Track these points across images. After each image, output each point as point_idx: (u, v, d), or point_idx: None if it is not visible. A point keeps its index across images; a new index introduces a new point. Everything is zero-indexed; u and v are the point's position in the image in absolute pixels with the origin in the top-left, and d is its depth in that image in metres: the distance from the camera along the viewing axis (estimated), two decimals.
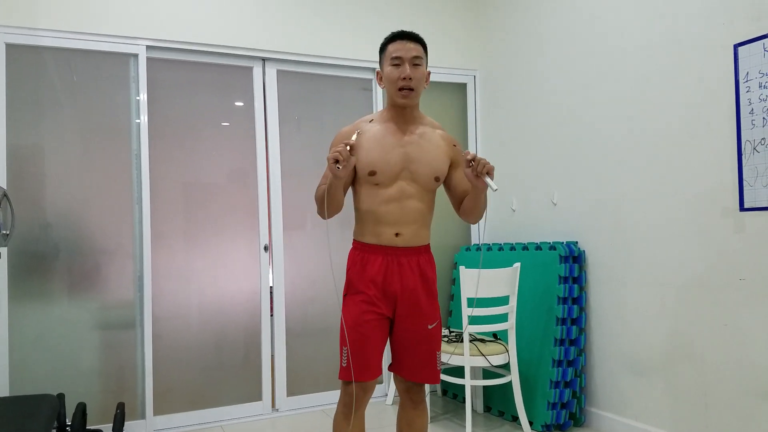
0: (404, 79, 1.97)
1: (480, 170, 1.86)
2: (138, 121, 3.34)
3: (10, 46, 3.09)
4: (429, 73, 2.08)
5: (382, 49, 2.07)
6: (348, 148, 1.84)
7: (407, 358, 2.06)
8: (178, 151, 3.46)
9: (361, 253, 2.05)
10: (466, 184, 2.10)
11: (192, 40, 3.44)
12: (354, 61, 3.84)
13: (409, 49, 1.99)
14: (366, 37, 3.87)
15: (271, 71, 3.68)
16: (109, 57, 3.30)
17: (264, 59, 3.67)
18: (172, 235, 3.42)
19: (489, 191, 4.12)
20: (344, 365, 2.00)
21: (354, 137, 1.93)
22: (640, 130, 2.95)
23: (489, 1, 4.12)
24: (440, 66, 4.12)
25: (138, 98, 3.34)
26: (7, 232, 2.56)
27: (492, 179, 1.87)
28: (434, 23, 4.11)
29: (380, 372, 2.05)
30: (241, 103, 3.63)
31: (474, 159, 1.87)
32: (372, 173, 2.00)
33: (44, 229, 3.13)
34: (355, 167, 2.04)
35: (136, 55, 3.33)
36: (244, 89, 3.63)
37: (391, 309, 2.05)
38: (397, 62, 1.99)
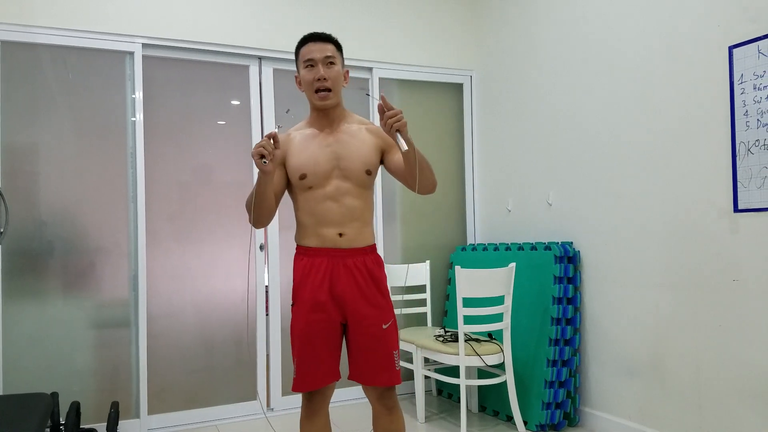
0: (319, 80, 1.96)
1: (389, 128, 1.78)
2: (133, 119, 3.33)
3: (5, 43, 3.07)
4: (347, 72, 2.07)
5: (296, 53, 2.05)
6: (271, 141, 1.82)
7: (364, 362, 2.00)
8: (173, 149, 3.45)
9: (305, 257, 2.02)
10: (398, 164, 2.05)
11: (188, 38, 3.43)
12: (350, 61, 3.84)
13: (321, 49, 1.98)
14: (363, 36, 3.87)
15: (267, 70, 3.68)
16: (104, 55, 3.29)
17: (260, 58, 3.66)
18: (167, 234, 3.41)
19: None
20: (295, 377, 2.00)
21: (276, 129, 1.89)
22: (635, 131, 2.96)
23: (485, 2, 4.13)
24: (436, 66, 4.12)
25: (133, 96, 3.33)
26: (1, 230, 2.55)
27: (404, 137, 1.77)
28: (431, 23, 4.11)
29: (337, 376, 2.02)
30: (237, 102, 3.62)
31: (385, 113, 1.78)
32: (303, 176, 1.98)
33: (39, 228, 3.12)
34: (288, 175, 2.03)
35: (131, 53, 3.32)
36: (240, 87, 3.63)
37: (341, 313, 2.01)
38: (311, 64, 1.98)
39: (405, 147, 1.76)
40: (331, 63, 1.98)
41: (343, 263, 2.00)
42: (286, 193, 2.13)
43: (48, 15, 3.13)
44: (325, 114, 2.04)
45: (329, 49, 1.99)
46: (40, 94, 3.15)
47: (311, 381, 1.98)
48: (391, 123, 1.78)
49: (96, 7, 3.23)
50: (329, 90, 1.98)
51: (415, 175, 1.93)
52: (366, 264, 2.03)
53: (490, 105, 4.10)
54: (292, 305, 2.04)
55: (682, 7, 2.71)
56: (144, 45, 3.35)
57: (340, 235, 2.00)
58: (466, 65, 4.22)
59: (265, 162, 1.79)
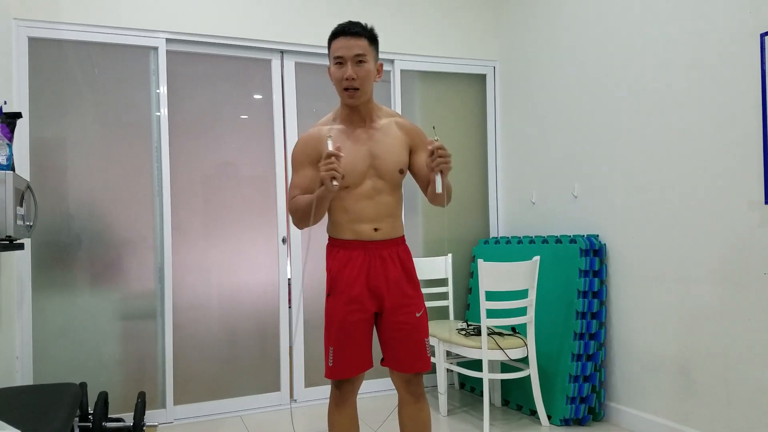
0: (347, 79, 1.92)
1: (434, 165, 1.83)
2: (158, 114, 3.37)
3: (32, 40, 3.13)
4: (381, 65, 2.02)
5: (328, 45, 2.01)
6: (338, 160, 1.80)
7: (400, 351, 2.04)
8: (197, 143, 3.48)
9: (342, 250, 2.03)
10: (426, 170, 2.04)
11: (211, 32, 3.45)
12: None
13: (351, 46, 1.92)
14: (384, 28, 3.85)
15: (290, 63, 3.69)
16: (129, 50, 3.33)
17: (282, 51, 3.67)
18: (192, 227, 3.45)
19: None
20: (330, 365, 2.02)
21: (330, 145, 1.83)
22: (662, 121, 2.90)
23: None
24: (460, 57, 4.08)
25: (158, 91, 3.36)
26: (31, 224, 2.60)
27: (444, 178, 1.83)
28: (454, 14, 4.07)
29: (370, 364, 2.06)
30: (259, 96, 3.64)
31: (433, 152, 1.82)
32: (342, 186, 1.98)
33: (67, 221, 3.18)
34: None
35: (155, 48, 3.35)
36: (263, 82, 3.64)
37: (376, 304, 2.04)
38: (340, 61, 1.94)
39: (440, 190, 1.81)
40: (361, 61, 1.93)
41: (379, 254, 2.03)
42: None
43: (74, 11, 3.18)
44: (356, 110, 2.03)
45: (360, 46, 1.93)
46: (67, 89, 3.21)
47: (346, 369, 2.01)
48: (439, 162, 1.81)
49: (120, 3, 3.27)
50: (357, 89, 1.95)
51: (434, 197, 1.98)
52: (399, 254, 2.07)
53: (513, 96, 4.05)
54: (328, 295, 2.05)
55: None
56: (168, 40, 3.38)
57: (375, 229, 2.02)
58: (490, 56, 4.18)
59: (336, 184, 1.77)
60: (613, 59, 3.19)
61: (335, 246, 2.06)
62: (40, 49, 3.15)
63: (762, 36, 2.43)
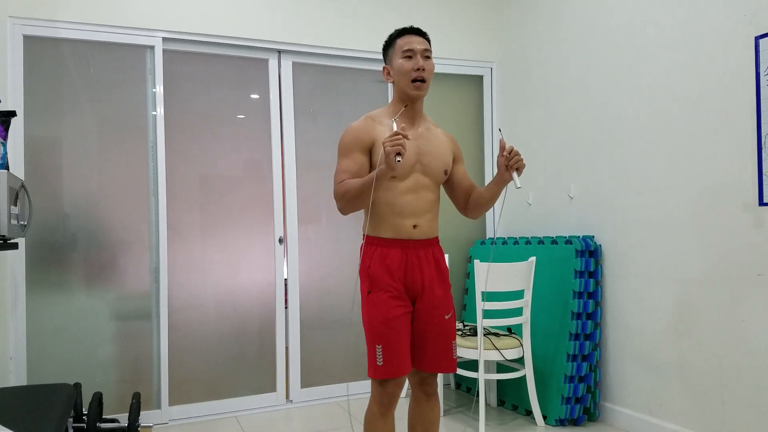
0: (418, 69, 1.99)
1: (512, 164, 1.92)
2: (154, 113, 3.35)
3: (27, 38, 3.11)
4: (433, 66, 2.11)
5: (390, 44, 2.08)
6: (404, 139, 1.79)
7: (428, 350, 2.05)
8: (194, 143, 3.47)
9: (379, 248, 2.03)
10: (467, 181, 2.18)
11: (208, 32, 3.44)
12: (370, 53, 3.83)
13: (421, 42, 2.03)
14: (382, 28, 3.86)
15: (287, 63, 3.68)
16: (125, 49, 3.31)
17: (280, 51, 3.67)
18: (187, 227, 3.44)
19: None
20: (380, 364, 1.95)
21: (396, 126, 1.87)
22: (658, 123, 2.92)
23: None
24: (457, 58, 4.09)
25: (154, 90, 3.35)
26: (25, 223, 2.59)
27: (520, 176, 1.91)
28: (451, 14, 4.08)
29: (411, 365, 2.03)
30: (256, 96, 3.63)
31: (510, 151, 1.93)
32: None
33: (62, 220, 3.17)
34: (371, 161, 2.04)
35: (152, 47, 3.34)
36: (260, 81, 3.64)
37: (411, 302, 2.05)
38: (410, 54, 2.01)
39: (520, 185, 1.88)
40: (428, 57, 2.03)
41: (416, 253, 2.04)
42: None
43: (70, 10, 3.16)
44: (412, 107, 2.07)
45: (426, 44, 2.04)
46: (63, 88, 3.19)
47: (398, 366, 1.96)
48: (517, 160, 1.92)
49: (117, 1, 3.26)
50: (425, 81, 2.01)
51: (488, 199, 2.08)
52: (434, 255, 2.09)
53: (510, 97, 4.07)
54: (369, 293, 2.02)
55: None
56: (164, 39, 3.37)
57: (415, 226, 2.03)
58: (487, 57, 4.19)
59: (399, 161, 1.77)
60: (609, 62, 3.21)
61: (373, 244, 2.05)
62: (36, 47, 3.13)
63: (757, 39, 2.45)
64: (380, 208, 2.03)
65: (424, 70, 2.00)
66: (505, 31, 4.10)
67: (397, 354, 1.96)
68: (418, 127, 2.08)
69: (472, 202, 2.14)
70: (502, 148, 1.95)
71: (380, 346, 1.96)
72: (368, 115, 2.09)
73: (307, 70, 3.75)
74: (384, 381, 1.98)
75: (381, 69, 3.91)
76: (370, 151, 2.03)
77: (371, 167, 2.03)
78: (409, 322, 2.04)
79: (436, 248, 2.10)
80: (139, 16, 3.30)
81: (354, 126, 2.06)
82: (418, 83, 2.01)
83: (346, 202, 1.97)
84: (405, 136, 1.77)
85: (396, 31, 2.08)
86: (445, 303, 2.08)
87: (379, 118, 2.07)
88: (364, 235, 2.09)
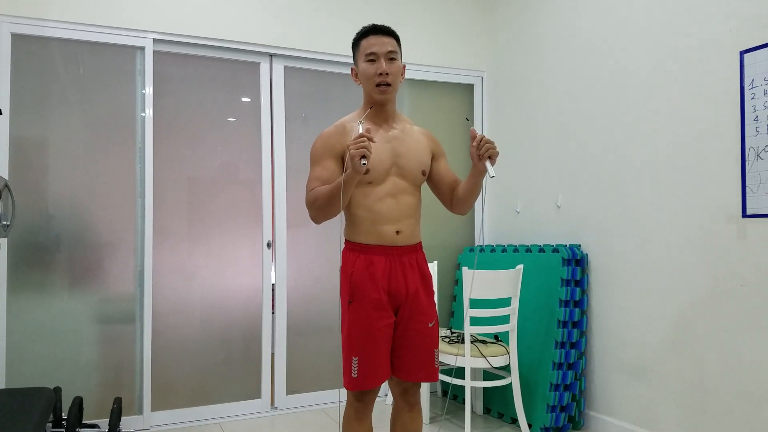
0: (381, 74, 1.94)
1: (482, 152, 1.84)
2: (143, 114, 3.33)
3: (16, 36, 3.07)
4: (404, 66, 2.06)
5: (355, 45, 2.03)
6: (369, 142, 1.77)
7: (409, 359, 2.01)
8: (182, 145, 3.45)
9: (362, 254, 1.98)
10: (450, 176, 2.11)
11: (199, 34, 3.43)
12: None
13: (384, 43, 1.96)
14: None
15: (278, 67, 3.68)
16: (115, 49, 3.29)
17: (271, 55, 3.67)
18: (174, 230, 3.41)
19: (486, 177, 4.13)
20: (354, 376, 1.93)
21: (362, 128, 1.83)
22: (644, 134, 2.96)
23: (498, 3, 4.14)
24: (448, 66, 4.13)
25: (144, 92, 3.33)
26: (8, 223, 2.54)
27: (493, 165, 1.85)
28: (443, 23, 4.12)
29: (389, 372, 2.01)
30: (247, 99, 3.62)
31: (481, 139, 1.84)
32: (366, 171, 1.95)
33: (46, 221, 3.12)
34: (345, 168, 1.97)
35: (142, 48, 3.32)
36: (251, 85, 3.63)
37: (395, 311, 2.01)
38: (372, 58, 1.96)
39: (494, 174, 1.81)
40: (392, 58, 1.97)
41: (400, 260, 1.99)
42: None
43: (59, 9, 3.13)
44: (382, 109, 2.03)
45: (391, 44, 1.97)
46: (50, 87, 3.15)
47: (373, 379, 1.94)
48: (488, 148, 1.83)
49: (107, 1, 3.24)
50: (389, 84, 1.96)
51: (470, 193, 2.00)
52: (418, 261, 2.04)
53: (500, 106, 4.11)
54: (350, 302, 1.97)
55: (694, 11, 2.72)
56: (155, 40, 3.35)
57: (397, 232, 1.98)
58: (478, 66, 4.23)
59: (364, 164, 1.73)
60: (598, 73, 3.26)
61: (354, 250, 2.00)
62: (24, 45, 3.09)
63: (741, 54, 2.51)
64: (360, 214, 1.99)
65: (388, 74, 1.94)
66: (495, 41, 4.15)
67: (373, 366, 1.93)
68: (392, 129, 2.03)
69: (455, 197, 2.08)
70: (473, 137, 1.87)
71: (356, 358, 1.93)
72: (340, 121, 2.05)
73: (298, 74, 3.75)
74: (359, 393, 1.97)
75: None
76: (342, 158, 1.98)
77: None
78: (390, 334, 1.99)
79: (419, 254, 2.06)
80: (130, 16, 3.28)
81: (324, 133, 2.02)
82: (382, 87, 1.96)
83: (317, 209, 1.92)
84: (370, 139, 1.74)
85: (360, 30, 2.01)
86: (428, 311, 2.03)
87: (350, 122, 2.03)
88: (345, 240, 2.05)
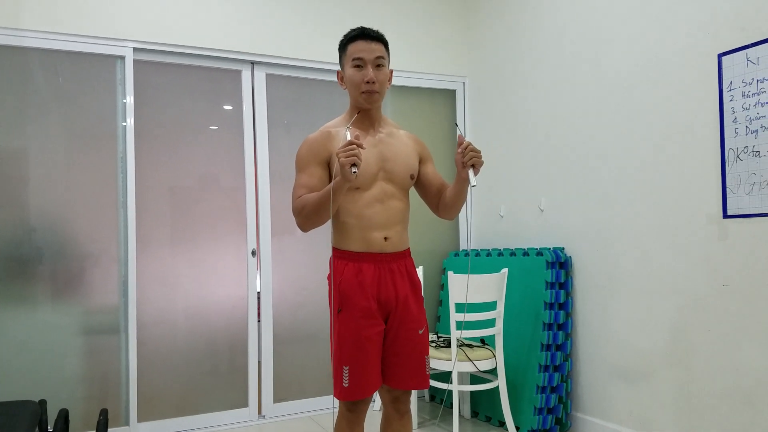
0: (368, 82, 1.91)
1: (466, 160, 1.82)
2: (124, 124, 3.31)
3: None
4: (392, 71, 2.03)
5: (342, 48, 1.97)
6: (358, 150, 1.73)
7: (400, 367, 1.98)
8: (165, 154, 3.43)
9: (351, 262, 1.95)
10: (438, 180, 2.09)
11: (180, 42, 3.42)
12: None
13: (372, 50, 1.92)
14: None
15: (260, 75, 3.67)
16: (95, 59, 3.26)
17: (253, 63, 3.66)
18: (158, 240, 3.39)
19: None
20: (346, 385, 1.90)
21: (350, 134, 1.80)
22: (625, 138, 2.99)
23: (479, 9, 4.16)
24: (430, 72, 4.14)
25: (125, 101, 3.31)
26: None
27: (476, 174, 1.83)
28: (424, 30, 4.13)
29: (381, 381, 1.99)
30: (229, 107, 3.61)
31: (466, 147, 1.82)
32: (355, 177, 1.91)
33: (27, 233, 3.09)
34: (331, 174, 1.96)
35: (122, 57, 3.30)
36: (233, 93, 3.62)
37: (384, 318, 1.98)
38: (359, 63, 1.91)
39: (475, 184, 1.79)
40: (380, 65, 1.93)
41: (389, 267, 1.97)
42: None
43: (38, 18, 3.11)
44: (367, 114, 2.00)
45: (379, 50, 1.93)
46: (30, 98, 3.12)
47: (364, 388, 1.91)
48: (471, 156, 1.81)
49: (87, 10, 3.21)
50: (376, 92, 1.93)
51: (455, 199, 1.98)
52: (407, 268, 2.02)
53: (482, 112, 4.12)
54: (339, 311, 1.95)
55: (672, 15, 2.74)
56: (135, 49, 3.33)
57: (386, 239, 1.95)
58: (459, 72, 4.24)
59: (355, 171, 1.69)
60: (577, 77, 3.28)
61: (343, 258, 1.97)
62: (2, 56, 3.07)
63: (719, 56, 2.54)
64: (348, 221, 1.96)
65: (374, 82, 1.91)
66: (476, 47, 4.17)
67: (365, 375, 1.91)
68: (378, 133, 2.00)
69: (441, 202, 2.06)
70: (459, 143, 1.84)
71: (347, 368, 1.91)
72: (324, 127, 2.02)
73: (280, 81, 3.74)
74: (350, 403, 1.95)
75: None
76: (328, 164, 1.95)
77: (331, 179, 1.95)
78: (381, 342, 1.97)
79: (408, 260, 2.04)
80: (109, 25, 3.26)
81: (309, 139, 1.98)
82: (369, 94, 1.93)
83: (304, 217, 1.88)
84: (359, 145, 1.71)
85: (348, 33, 1.96)
86: (418, 318, 2.02)
87: (335, 128, 2.00)
88: (333, 248, 2.02)
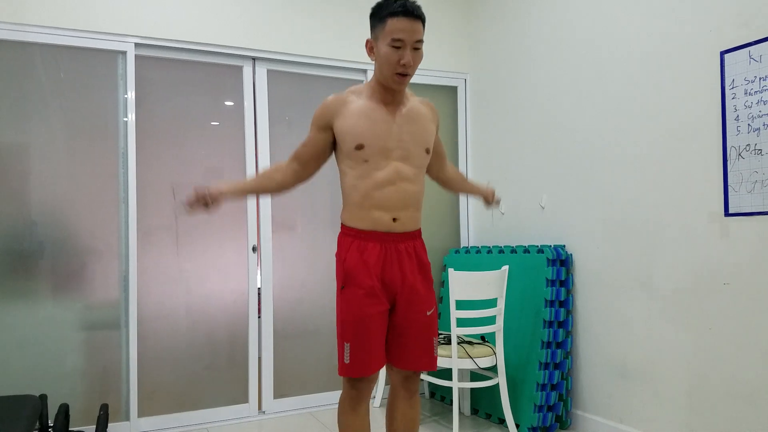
0: (404, 65, 1.84)
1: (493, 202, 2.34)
2: (126, 119, 3.31)
3: None
4: (422, 55, 1.99)
5: (381, 20, 1.86)
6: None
7: (408, 347, 1.97)
8: (166, 150, 3.43)
9: (356, 240, 1.92)
10: (439, 149, 2.20)
11: (181, 38, 3.41)
12: (345, 62, 3.84)
13: (415, 30, 1.83)
14: (357, 38, 3.87)
15: (261, 71, 3.67)
16: (97, 54, 3.26)
17: (254, 59, 3.65)
18: (158, 235, 3.39)
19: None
20: (347, 362, 1.90)
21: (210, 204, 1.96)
22: (627, 135, 2.98)
23: (480, 5, 4.15)
24: (431, 69, 4.13)
25: (126, 96, 3.31)
26: None
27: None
28: (427, 27, 4.11)
29: (384, 361, 1.98)
30: (230, 103, 3.61)
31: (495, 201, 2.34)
32: (359, 147, 1.88)
33: (29, 228, 3.09)
34: (336, 141, 1.95)
35: (124, 53, 3.30)
36: (234, 89, 3.61)
37: (390, 298, 1.96)
38: (399, 45, 1.83)
39: (503, 213, 2.24)
40: (418, 48, 1.86)
41: (395, 248, 1.94)
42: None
43: (40, 13, 3.11)
44: (392, 90, 1.94)
45: (420, 31, 1.85)
46: (31, 93, 3.13)
47: (366, 366, 1.90)
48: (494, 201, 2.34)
49: (89, 6, 3.21)
50: (408, 75, 1.89)
51: (456, 191, 2.36)
52: (416, 248, 2.00)
53: (483, 108, 4.11)
54: (342, 288, 1.93)
55: (675, 12, 2.73)
56: (137, 45, 3.33)
57: (394, 220, 1.93)
58: (461, 68, 4.23)
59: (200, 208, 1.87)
60: (580, 74, 3.27)
61: (349, 235, 1.95)
62: (3, 51, 3.07)
63: (722, 54, 2.53)
64: (356, 199, 1.93)
65: (410, 66, 1.85)
66: (478, 44, 4.16)
67: (365, 353, 1.90)
68: (399, 109, 1.95)
69: (449, 180, 2.26)
70: (494, 200, 2.35)
71: (348, 344, 1.90)
72: (347, 91, 2.00)
73: (281, 77, 3.74)
74: (353, 380, 1.94)
75: (357, 78, 3.93)
76: (331, 128, 1.94)
77: (334, 144, 1.99)
78: (385, 321, 1.95)
79: (417, 241, 2.00)
80: (111, 21, 3.25)
81: (325, 101, 1.98)
82: (401, 77, 1.87)
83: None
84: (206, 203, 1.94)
85: (390, 3, 1.84)
86: (426, 299, 1.99)
87: (356, 93, 1.98)
88: (341, 224, 2.01)
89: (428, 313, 2.00)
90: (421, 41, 1.87)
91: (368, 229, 1.92)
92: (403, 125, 1.94)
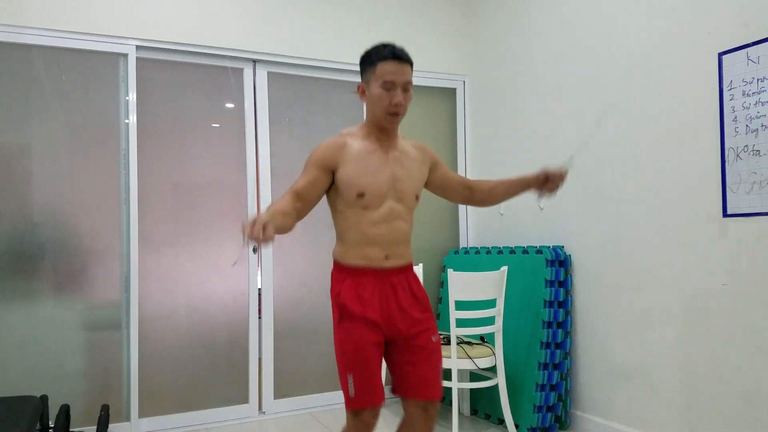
0: (396, 105, 1.91)
1: (552, 189, 2.10)
2: (127, 121, 3.32)
3: None
4: (412, 96, 2.04)
5: (370, 64, 1.95)
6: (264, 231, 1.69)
7: (417, 376, 1.96)
8: (167, 151, 3.45)
9: (350, 276, 1.96)
10: (457, 177, 2.18)
11: (182, 40, 3.43)
12: (345, 65, 3.85)
13: (404, 72, 1.91)
14: (357, 40, 3.89)
15: (262, 73, 3.68)
16: (98, 56, 3.28)
17: (255, 61, 3.67)
18: (160, 236, 3.40)
19: None
20: (352, 395, 1.89)
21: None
22: (625, 136, 2.99)
23: (480, 7, 4.16)
24: (430, 71, 4.14)
25: (127, 98, 3.32)
26: None
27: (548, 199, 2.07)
28: (425, 28, 4.13)
29: (384, 396, 1.97)
30: (231, 105, 3.62)
31: (562, 179, 2.10)
32: (361, 195, 1.93)
33: (30, 229, 3.11)
34: (335, 186, 1.97)
35: (125, 55, 3.32)
36: (235, 91, 3.63)
37: (388, 331, 1.97)
38: (390, 86, 1.90)
39: (542, 207, 2.01)
40: (407, 89, 1.94)
41: (389, 281, 1.97)
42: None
43: (41, 16, 3.12)
44: (385, 131, 2.00)
45: (409, 73, 1.93)
46: (33, 95, 3.14)
47: (371, 395, 1.91)
48: (552, 188, 2.10)
49: (90, 8, 3.23)
50: (401, 115, 1.95)
51: (501, 200, 2.20)
52: (409, 282, 2.02)
53: (482, 110, 4.13)
54: (340, 321, 1.94)
55: (673, 13, 2.75)
56: (138, 47, 3.35)
57: (387, 257, 1.96)
58: (460, 70, 4.25)
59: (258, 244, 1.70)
60: (578, 76, 3.28)
61: (341, 271, 1.99)
62: (5, 53, 3.08)
63: (720, 55, 2.54)
64: (351, 236, 1.97)
65: (402, 106, 1.92)
66: (477, 46, 4.17)
67: (368, 381, 1.90)
68: (394, 150, 2.01)
69: (490, 194, 2.17)
70: (561, 174, 2.08)
71: (352, 375, 1.90)
72: (340, 135, 2.02)
73: (282, 80, 3.76)
74: (359, 412, 1.92)
75: (357, 80, 3.94)
76: (331, 170, 1.96)
77: (331, 187, 1.98)
78: (381, 353, 1.97)
79: (409, 274, 2.04)
80: (112, 23, 3.27)
81: (323, 144, 1.99)
82: (394, 116, 1.93)
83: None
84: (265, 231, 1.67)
85: (378, 49, 1.93)
86: (428, 325, 2.00)
87: (350, 136, 2.01)
88: (333, 260, 2.03)
89: (434, 339, 2.01)
90: (410, 83, 1.94)
91: (362, 266, 1.96)
92: (398, 168, 2.00)
